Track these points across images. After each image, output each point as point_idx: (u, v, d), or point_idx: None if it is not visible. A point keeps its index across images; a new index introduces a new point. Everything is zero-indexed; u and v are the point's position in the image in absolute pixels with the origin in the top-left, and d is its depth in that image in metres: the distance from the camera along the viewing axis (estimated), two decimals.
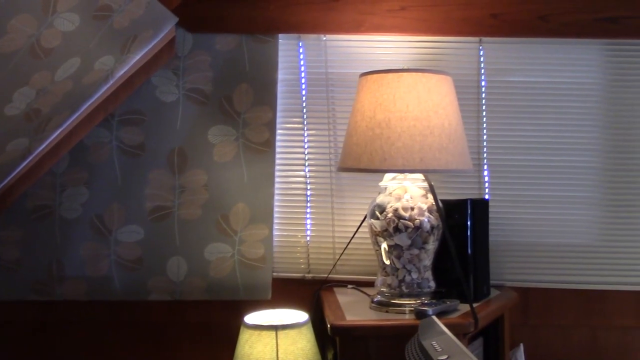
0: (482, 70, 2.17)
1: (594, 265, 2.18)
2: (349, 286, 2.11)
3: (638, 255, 2.17)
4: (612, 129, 2.16)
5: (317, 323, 1.98)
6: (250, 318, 1.86)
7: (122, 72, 1.98)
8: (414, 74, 1.75)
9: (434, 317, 1.53)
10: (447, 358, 1.21)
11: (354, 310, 1.79)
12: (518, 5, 2.09)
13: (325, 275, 2.14)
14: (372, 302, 1.82)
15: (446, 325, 1.52)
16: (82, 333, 2.21)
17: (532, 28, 2.10)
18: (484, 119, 2.17)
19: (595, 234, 2.18)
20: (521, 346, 2.13)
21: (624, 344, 2.19)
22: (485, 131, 2.17)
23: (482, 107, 2.17)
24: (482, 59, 2.16)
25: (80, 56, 1.70)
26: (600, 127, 2.16)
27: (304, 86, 2.18)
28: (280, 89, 2.16)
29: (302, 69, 2.17)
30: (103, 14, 1.65)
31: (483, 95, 2.17)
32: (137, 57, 1.98)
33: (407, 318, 1.70)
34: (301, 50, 2.17)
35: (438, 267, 1.85)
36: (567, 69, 2.16)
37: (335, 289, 2.09)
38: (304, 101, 2.19)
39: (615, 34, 2.10)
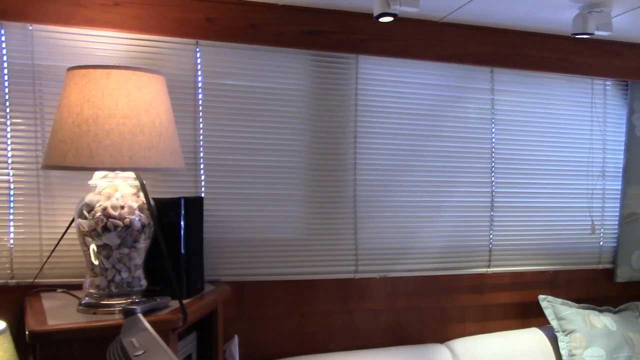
0: (199, 72, 2.22)
1: (302, 257, 2.38)
2: (59, 290, 2.01)
3: (338, 247, 2.42)
4: (316, 132, 2.37)
5: (23, 332, 1.84)
6: None
7: None
8: (124, 71, 1.72)
9: (140, 315, 1.53)
10: (143, 353, 1.22)
11: (59, 314, 1.71)
12: (232, 12, 2.19)
13: (31, 280, 2.01)
14: (80, 304, 1.76)
15: (155, 322, 1.54)
16: None
17: (245, 35, 2.21)
18: (201, 120, 2.23)
19: (302, 228, 2.38)
20: (235, 338, 2.23)
21: (327, 327, 2.43)
22: (201, 131, 2.23)
23: (198, 108, 2.22)
24: (198, 60, 2.22)
25: None
26: (306, 130, 2.36)
27: (6, 77, 2.01)
28: None
29: (4, 58, 2.00)
30: None
31: (200, 96, 2.22)
32: None
33: (117, 318, 1.67)
34: (3, 39, 2.00)
35: (152, 265, 1.86)
36: (277, 75, 2.32)
37: (43, 294, 1.97)
38: (6, 94, 2.01)
39: (318, 46, 2.31)
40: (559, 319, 2.59)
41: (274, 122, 2.32)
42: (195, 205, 2.00)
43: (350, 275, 2.44)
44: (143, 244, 1.79)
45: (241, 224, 2.29)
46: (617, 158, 2.88)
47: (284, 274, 2.36)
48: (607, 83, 2.85)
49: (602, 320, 2.61)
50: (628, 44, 2.76)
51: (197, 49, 2.21)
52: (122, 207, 1.74)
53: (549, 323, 2.61)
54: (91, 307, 1.73)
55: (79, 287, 1.99)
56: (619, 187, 2.88)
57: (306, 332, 2.40)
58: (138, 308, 1.62)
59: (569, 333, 2.54)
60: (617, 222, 2.89)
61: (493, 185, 2.65)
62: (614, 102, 2.87)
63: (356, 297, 2.45)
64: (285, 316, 2.38)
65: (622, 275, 2.90)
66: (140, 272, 1.81)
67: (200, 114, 2.23)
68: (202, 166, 2.23)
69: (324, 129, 2.39)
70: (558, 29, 2.55)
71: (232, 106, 2.27)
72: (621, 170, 2.87)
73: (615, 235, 2.89)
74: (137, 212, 1.76)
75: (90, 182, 1.81)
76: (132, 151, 1.68)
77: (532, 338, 2.60)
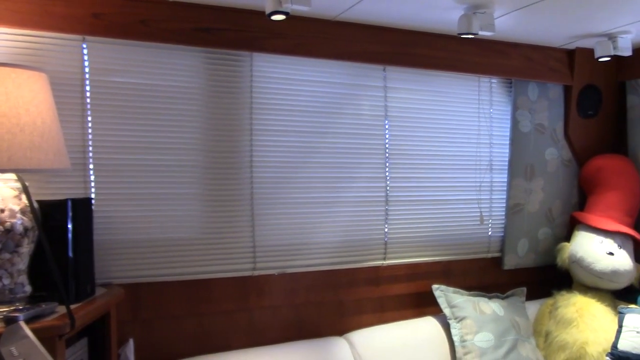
0: (87, 69, 2.15)
1: (199, 256, 2.36)
2: None
3: (235, 244, 2.42)
4: (212, 130, 2.36)
5: None
6: None
7: None
8: (1, 68, 1.64)
9: (21, 323, 1.47)
10: None
11: None
12: (120, 8, 2.13)
13: None
14: None
15: (39, 329, 1.49)
16: None
17: (134, 31, 2.16)
18: (89, 118, 2.16)
19: (199, 227, 2.36)
20: (130, 341, 2.18)
21: (226, 325, 2.42)
22: (90, 130, 2.16)
23: (86, 106, 2.15)
24: (85, 57, 2.15)
25: None
26: (201, 128, 2.34)
27: None
28: None
29: None
30: None
31: (88, 94, 2.15)
32: None
33: None
34: None
35: (39, 270, 1.79)
36: (171, 72, 2.28)
37: None
38: None
39: (210, 44, 2.29)
40: (451, 306, 2.70)
41: (168, 121, 2.28)
42: (83, 206, 1.94)
43: (248, 273, 2.44)
44: (26, 248, 1.72)
45: (135, 224, 2.24)
46: (502, 152, 3.04)
47: (181, 274, 2.33)
48: (493, 81, 3.00)
49: (491, 306, 2.75)
50: (512, 44, 2.92)
51: (84, 45, 2.14)
52: (2, 211, 1.66)
53: (442, 311, 2.72)
54: None
55: None
56: (505, 180, 3.04)
57: (205, 332, 2.39)
58: (20, 315, 1.56)
59: (461, 320, 2.66)
60: (503, 213, 3.05)
61: (387, 180, 2.73)
62: (499, 99, 3.03)
63: (255, 294, 2.46)
64: (183, 317, 2.35)
65: (509, 262, 3.07)
66: (23, 278, 1.74)
67: (89, 112, 2.15)
68: (91, 166, 2.16)
69: (220, 127, 2.37)
70: (445, 28, 2.65)
71: (123, 104, 2.21)
72: (507, 163, 3.03)
73: (502, 225, 3.05)
74: (19, 215, 1.69)
75: None
76: (12, 152, 1.61)
77: (426, 326, 2.71)
